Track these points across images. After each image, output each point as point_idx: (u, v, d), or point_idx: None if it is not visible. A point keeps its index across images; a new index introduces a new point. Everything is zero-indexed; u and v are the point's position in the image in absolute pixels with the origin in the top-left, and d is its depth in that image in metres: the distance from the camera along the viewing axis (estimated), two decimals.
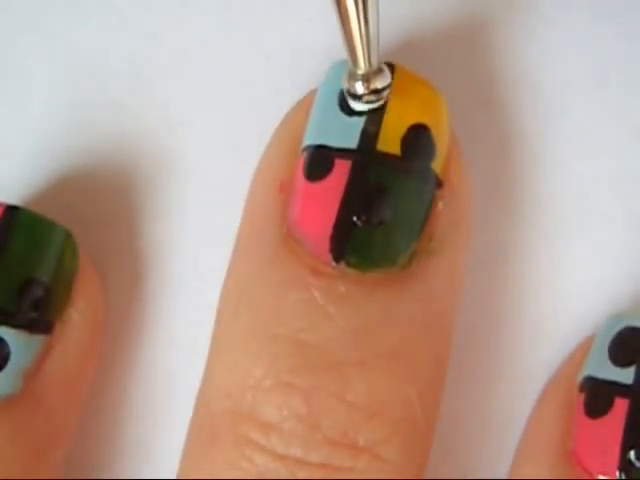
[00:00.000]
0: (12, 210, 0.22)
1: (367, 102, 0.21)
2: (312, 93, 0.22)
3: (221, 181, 0.24)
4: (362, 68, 0.20)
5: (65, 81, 0.25)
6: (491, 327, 0.24)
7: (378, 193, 0.20)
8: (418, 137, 0.21)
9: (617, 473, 0.21)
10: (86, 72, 0.25)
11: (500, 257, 0.24)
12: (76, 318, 0.22)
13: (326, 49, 0.24)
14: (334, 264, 0.20)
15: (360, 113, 0.21)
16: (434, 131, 0.21)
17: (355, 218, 0.20)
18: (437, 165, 0.21)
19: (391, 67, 0.21)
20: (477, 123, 0.24)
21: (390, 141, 0.21)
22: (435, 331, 0.21)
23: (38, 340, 0.22)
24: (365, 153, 0.21)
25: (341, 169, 0.21)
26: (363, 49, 0.20)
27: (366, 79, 0.20)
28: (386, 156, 0.21)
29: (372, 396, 0.20)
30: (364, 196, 0.20)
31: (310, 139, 0.21)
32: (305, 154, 0.21)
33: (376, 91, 0.21)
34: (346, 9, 0.19)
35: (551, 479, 0.21)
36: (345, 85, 0.21)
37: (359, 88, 0.21)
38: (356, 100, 0.21)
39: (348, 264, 0.20)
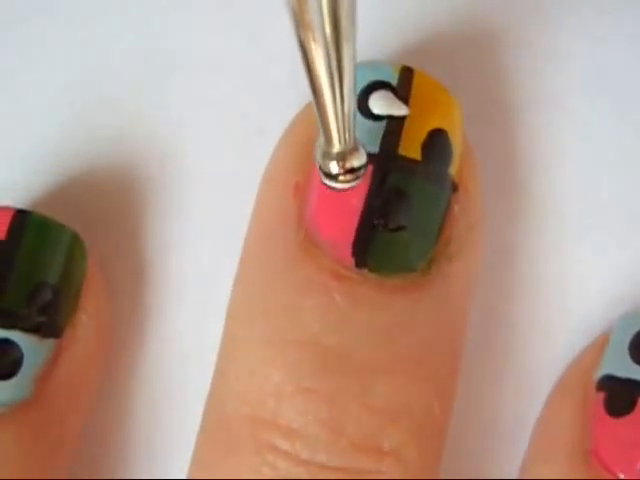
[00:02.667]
0: (22, 214, 0.22)
1: (343, 182, 0.19)
2: None
3: (222, 181, 0.24)
4: (336, 147, 0.18)
5: (65, 81, 0.24)
6: (498, 327, 0.24)
7: (399, 198, 0.20)
8: (438, 142, 0.21)
9: None
10: (86, 72, 0.24)
11: (505, 258, 0.24)
12: (85, 321, 0.22)
13: None
14: (356, 269, 0.20)
15: (381, 117, 0.21)
16: (451, 136, 0.21)
17: (377, 223, 0.20)
18: (453, 169, 0.21)
19: (410, 71, 0.21)
20: (479, 125, 0.24)
21: (411, 146, 0.21)
22: (453, 333, 0.22)
23: (49, 344, 0.22)
24: (387, 157, 0.21)
25: None
26: (338, 127, 0.18)
27: (341, 158, 0.19)
28: (407, 161, 0.21)
29: (394, 399, 0.20)
30: (386, 201, 0.20)
31: None
32: None
33: (352, 170, 0.19)
34: (320, 86, 0.17)
35: (571, 479, 0.22)
36: (318, 162, 0.19)
37: (333, 168, 0.19)
38: (330, 180, 0.19)
39: (370, 269, 0.20)
